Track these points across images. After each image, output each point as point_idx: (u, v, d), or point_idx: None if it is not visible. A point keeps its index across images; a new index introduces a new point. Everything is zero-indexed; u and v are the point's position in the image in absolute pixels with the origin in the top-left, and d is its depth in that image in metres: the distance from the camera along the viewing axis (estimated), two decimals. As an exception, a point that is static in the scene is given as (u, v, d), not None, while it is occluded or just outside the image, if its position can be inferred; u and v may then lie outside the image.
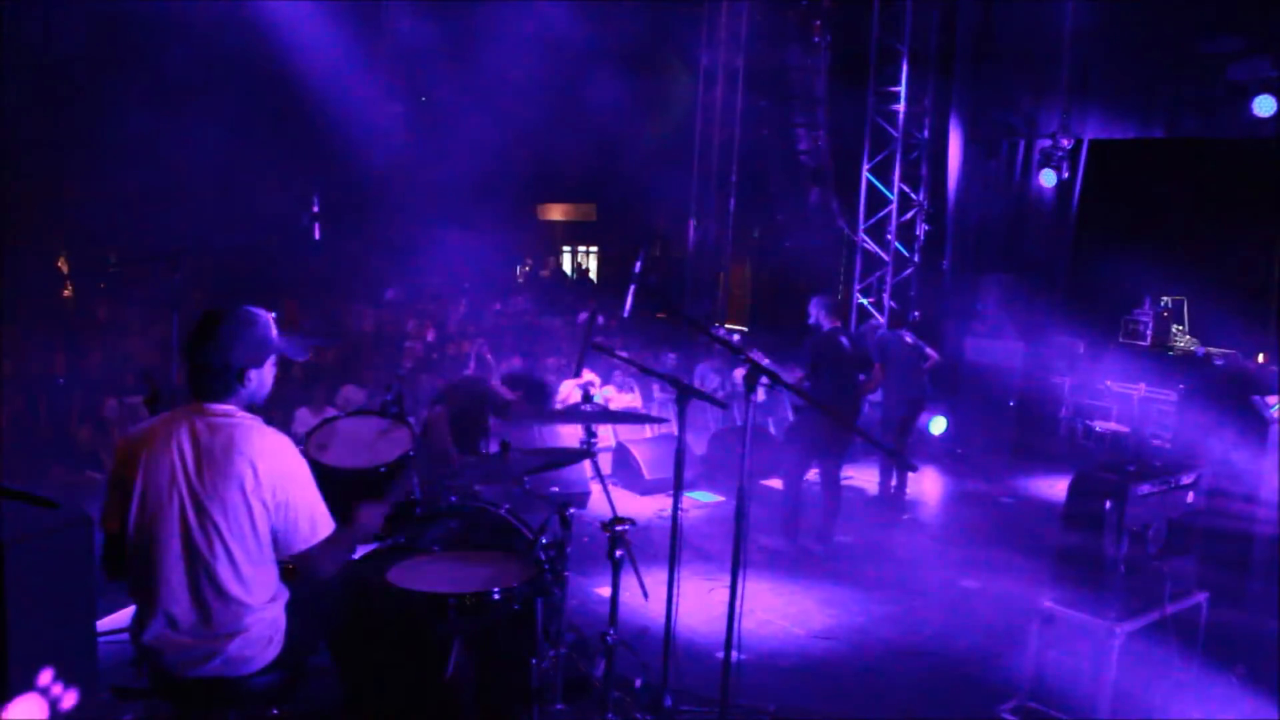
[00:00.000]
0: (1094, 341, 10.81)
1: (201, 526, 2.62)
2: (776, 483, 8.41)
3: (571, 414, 4.34)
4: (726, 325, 16.14)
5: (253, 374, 2.74)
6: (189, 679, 2.67)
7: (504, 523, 3.97)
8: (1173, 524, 4.12)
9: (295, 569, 2.80)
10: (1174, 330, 11.03)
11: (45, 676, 2.37)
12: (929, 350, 8.01)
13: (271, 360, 2.80)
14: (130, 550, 2.67)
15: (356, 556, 3.47)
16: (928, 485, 8.76)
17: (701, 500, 7.76)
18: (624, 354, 6.44)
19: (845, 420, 6.62)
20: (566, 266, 23.28)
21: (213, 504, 2.61)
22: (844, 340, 6.64)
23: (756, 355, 6.60)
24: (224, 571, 2.63)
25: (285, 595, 2.82)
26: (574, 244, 23.58)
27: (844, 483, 8.61)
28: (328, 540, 2.76)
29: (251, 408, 2.77)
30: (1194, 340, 10.95)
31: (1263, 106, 9.08)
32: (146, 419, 2.88)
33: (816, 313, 6.75)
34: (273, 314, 2.83)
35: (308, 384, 8.21)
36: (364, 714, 3.35)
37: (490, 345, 7.05)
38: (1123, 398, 10.14)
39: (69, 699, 2.43)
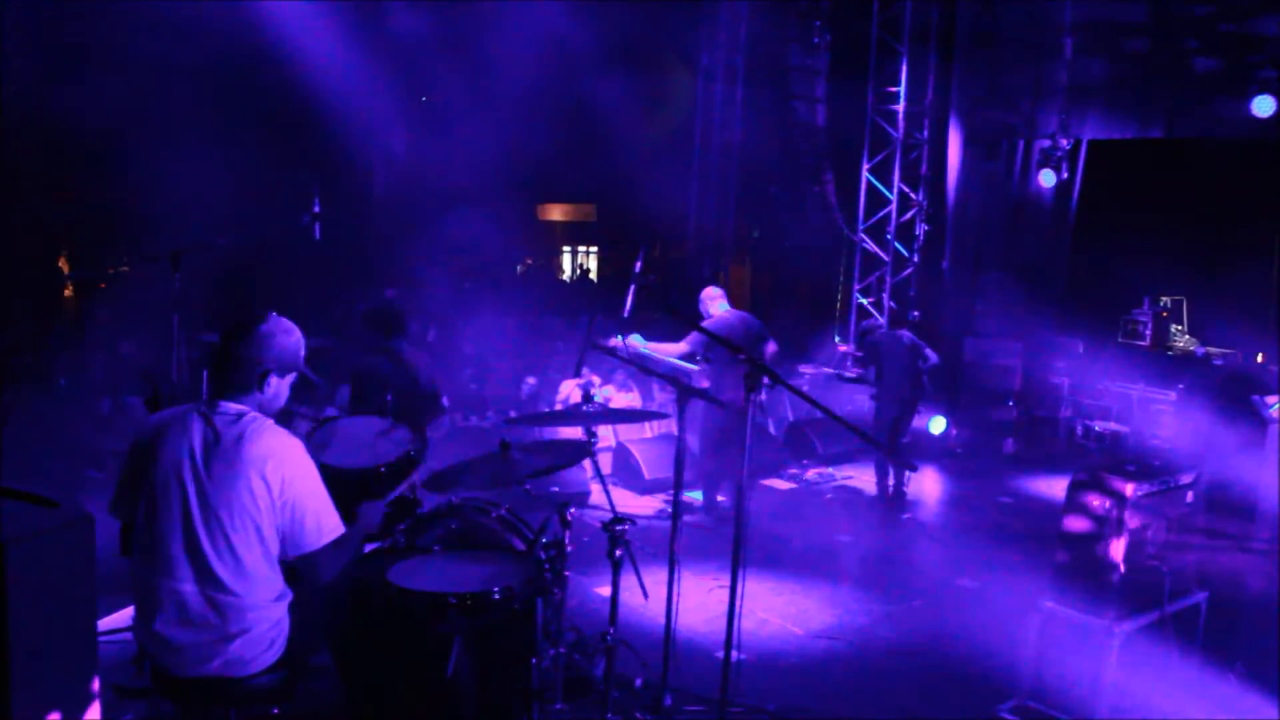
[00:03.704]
0: (1093, 341, 10.81)
1: (206, 523, 2.63)
2: (777, 482, 8.45)
3: (571, 414, 4.33)
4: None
5: (273, 381, 2.80)
6: (189, 678, 2.68)
7: (504, 522, 3.97)
8: (1172, 524, 4.12)
9: (296, 570, 2.80)
10: (1173, 330, 11.03)
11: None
12: (929, 351, 7.85)
13: (292, 377, 2.87)
14: (138, 543, 2.68)
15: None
16: (927, 485, 8.75)
17: (702, 499, 7.75)
18: (625, 353, 6.43)
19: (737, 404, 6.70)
20: (566, 267, 23.28)
21: (219, 501, 2.63)
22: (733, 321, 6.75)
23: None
24: (226, 569, 2.63)
25: (289, 597, 2.82)
26: (574, 244, 23.58)
27: (844, 483, 8.66)
28: (333, 543, 2.77)
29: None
30: (1193, 340, 10.96)
31: (1262, 106, 9.08)
32: (147, 418, 2.89)
33: (701, 305, 6.99)
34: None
35: (308, 384, 8.20)
36: (364, 714, 3.35)
37: (490, 345, 7.02)
38: (1122, 397, 10.14)
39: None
